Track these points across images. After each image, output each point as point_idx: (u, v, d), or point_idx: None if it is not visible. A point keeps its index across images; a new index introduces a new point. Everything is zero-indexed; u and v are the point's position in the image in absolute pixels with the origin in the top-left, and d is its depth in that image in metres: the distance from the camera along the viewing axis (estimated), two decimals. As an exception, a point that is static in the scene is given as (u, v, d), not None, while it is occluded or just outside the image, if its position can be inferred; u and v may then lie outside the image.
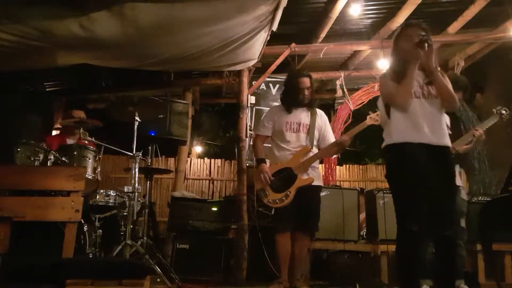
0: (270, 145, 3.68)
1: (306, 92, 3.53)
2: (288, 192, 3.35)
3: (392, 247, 4.20)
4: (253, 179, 3.74)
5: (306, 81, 3.55)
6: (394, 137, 2.59)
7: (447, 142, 2.57)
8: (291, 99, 3.56)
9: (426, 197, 2.46)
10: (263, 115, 4.04)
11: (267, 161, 3.61)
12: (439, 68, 2.60)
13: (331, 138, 3.62)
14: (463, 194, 3.50)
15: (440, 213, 2.48)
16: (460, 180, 3.50)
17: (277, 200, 3.37)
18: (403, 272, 2.53)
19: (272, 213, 3.57)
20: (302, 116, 3.55)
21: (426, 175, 2.47)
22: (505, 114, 3.44)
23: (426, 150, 2.50)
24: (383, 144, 2.67)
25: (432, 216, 2.46)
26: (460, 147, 3.39)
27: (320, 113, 3.64)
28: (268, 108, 5.07)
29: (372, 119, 3.43)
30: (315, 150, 3.52)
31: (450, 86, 2.57)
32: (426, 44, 2.48)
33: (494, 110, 3.46)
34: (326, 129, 3.62)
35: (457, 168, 3.48)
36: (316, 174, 3.52)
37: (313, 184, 3.43)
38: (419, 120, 2.53)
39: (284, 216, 3.37)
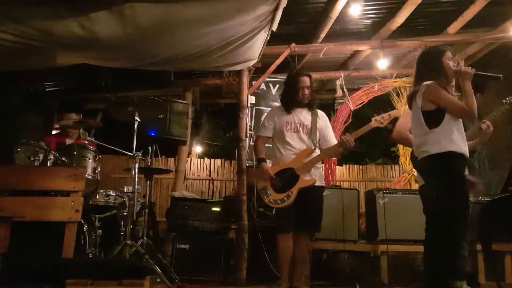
0: (271, 145, 3.66)
1: (306, 91, 3.51)
2: (290, 193, 3.33)
3: (392, 247, 4.22)
4: (253, 178, 3.73)
5: (306, 80, 3.53)
6: (454, 146, 2.75)
7: None
8: (291, 98, 3.55)
9: None
10: (264, 116, 4.03)
11: (268, 161, 3.60)
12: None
13: (332, 139, 3.60)
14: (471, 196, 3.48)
15: None
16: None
17: (278, 201, 3.36)
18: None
19: (273, 213, 3.55)
20: (303, 116, 3.54)
21: None
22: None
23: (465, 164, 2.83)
24: (437, 150, 2.76)
25: None
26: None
27: (320, 114, 3.62)
28: (269, 108, 5.07)
29: (377, 121, 3.39)
30: (317, 151, 3.51)
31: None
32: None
33: (504, 101, 3.40)
34: (327, 130, 3.60)
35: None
36: (319, 174, 3.50)
37: (315, 184, 3.41)
38: (464, 135, 2.83)
39: (286, 217, 3.36)
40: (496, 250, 4.02)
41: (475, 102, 2.74)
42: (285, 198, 3.33)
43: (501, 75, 2.76)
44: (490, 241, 3.56)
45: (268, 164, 3.54)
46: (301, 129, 3.50)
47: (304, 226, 3.40)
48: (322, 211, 3.47)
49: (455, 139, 2.77)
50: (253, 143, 4.10)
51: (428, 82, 2.83)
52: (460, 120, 2.86)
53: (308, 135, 3.50)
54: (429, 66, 2.90)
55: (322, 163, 5.87)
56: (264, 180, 3.41)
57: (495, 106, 3.52)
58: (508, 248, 4.10)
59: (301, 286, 3.43)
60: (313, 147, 3.47)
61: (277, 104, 3.78)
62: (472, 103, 2.73)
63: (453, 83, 2.93)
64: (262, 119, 3.89)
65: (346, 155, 7.81)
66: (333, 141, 3.59)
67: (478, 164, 5.00)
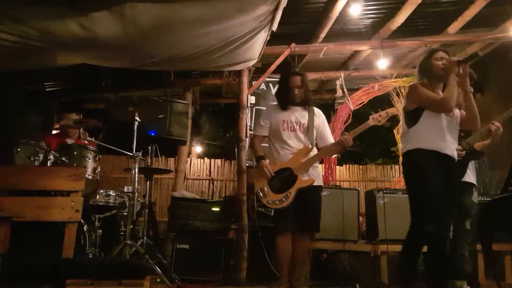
0: (267, 145, 3.64)
1: (297, 91, 3.48)
2: (288, 193, 3.32)
3: (392, 247, 4.22)
4: (253, 179, 3.72)
5: (296, 80, 3.50)
6: (422, 143, 2.81)
7: (456, 156, 2.92)
8: (284, 97, 3.54)
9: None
10: (260, 114, 4.02)
11: (266, 160, 3.58)
12: (472, 89, 2.91)
13: (329, 137, 3.58)
14: (475, 196, 3.47)
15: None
16: (474, 178, 3.48)
17: (276, 201, 3.34)
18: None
19: (272, 214, 3.53)
20: (299, 115, 3.51)
21: (445, 182, 2.77)
22: None
23: (445, 159, 2.81)
24: (410, 147, 2.86)
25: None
26: (475, 142, 3.37)
27: (317, 112, 3.60)
28: (267, 108, 5.07)
29: (374, 119, 3.39)
30: (314, 150, 3.50)
31: (476, 109, 2.87)
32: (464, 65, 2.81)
33: None
34: (324, 128, 3.58)
35: (472, 165, 3.48)
36: (317, 174, 3.49)
37: (314, 184, 3.40)
38: (446, 133, 2.83)
39: (284, 217, 3.34)
40: (496, 250, 4.03)
41: (453, 95, 2.74)
42: (283, 199, 3.31)
43: (479, 51, 2.78)
44: (490, 241, 3.55)
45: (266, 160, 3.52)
46: (297, 128, 3.48)
47: (303, 227, 3.38)
48: (320, 211, 3.46)
49: (428, 136, 2.82)
50: (249, 143, 4.09)
51: (412, 83, 2.94)
52: (442, 119, 2.85)
53: (305, 133, 3.48)
54: (419, 68, 3.01)
55: (322, 163, 5.90)
56: (263, 179, 3.39)
57: (496, 106, 3.53)
58: (508, 248, 4.11)
59: (301, 286, 3.43)
60: (310, 146, 3.45)
61: (276, 103, 3.77)
62: (448, 96, 2.75)
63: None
64: (259, 118, 3.87)
65: (346, 155, 7.77)
66: (330, 139, 3.57)
67: (478, 164, 5.00)
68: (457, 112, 2.93)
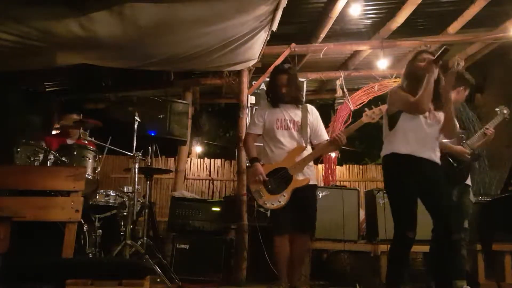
0: (262, 144, 3.59)
1: (283, 90, 3.42)
2: (284, 194, 3.26)
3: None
4: (247, 179, 3.69)
5: (282, 78, 3.43)
6: (396, 147, 2.81)
7: (439, 161, 2.88)
8: (272, 96, 3.50)
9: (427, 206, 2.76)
10: (254, 112, 3.98)
11: (261, 162, 3.56)
12: (452, 98, 2.88)
13: (323, 134, 3.52)
14: (471, 196, 3.49)
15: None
16: (469, 178, 3.50)
17: (272, 202, 3.29)
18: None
19: (268, 214, 3.49)
20: (292, 112, 3.46)
21: (425, 186, 2.76)
22: (506, 114, 3.48)
23: (423, 163, 2.78)
24: (385, 152, 2.87)
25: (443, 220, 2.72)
26: (475, 144, 3.41)
27: (310, 108, 3.53)
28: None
29: (368, 116, 3.32)
30: (308, 148, 3.45)
31: (454, 117, 2.85)
32: (440, 62, 2.71)
33: (498, 110, 3.49)
34: (318, 125, 3.51)
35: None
36: (312, 173, 3.43)
37: (309, 183, 3.35)
38: (424, 137, 2.80)
39: (281, 218, 3.29)
40: (496, 250, 4.03)
41: (425, 96, 2.69)
42: (279, 200, 3.27)
43: (446, 46, 2.71)
44: (490, 241, 3.56)
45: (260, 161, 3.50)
46: (291, 126, 3.42)
47: (300, 226, 3.34)
48: (316, 210, 3.41)
49: (403, 140, 2.81)
50: (242, 142, 4.06)
51: (392, 87, 2.97)
52: (420, 122, 2.83)
53: (299, 131, 3.43)
54: (403, 71, 3.00)
55: (322, 163, 5.89)
56: (257, 181, 3.36)
57: (496, 106, 3.55)
58: (508, 248, 4.11)
59: (301, 286, 3.41)
60: (304, 144, 3.40)
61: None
62: (420, 97, 2.70)
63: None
64: (252, 116, 3.84)
65: (346, 155, 7.71)
66: (324, 135, 3.52)
67: (478, 164, 5.01)
68: (440, 114, 2.87)
